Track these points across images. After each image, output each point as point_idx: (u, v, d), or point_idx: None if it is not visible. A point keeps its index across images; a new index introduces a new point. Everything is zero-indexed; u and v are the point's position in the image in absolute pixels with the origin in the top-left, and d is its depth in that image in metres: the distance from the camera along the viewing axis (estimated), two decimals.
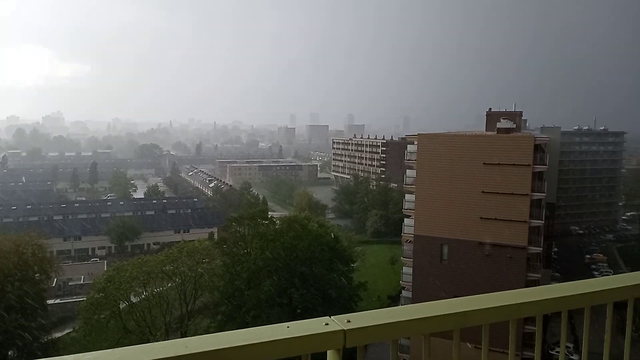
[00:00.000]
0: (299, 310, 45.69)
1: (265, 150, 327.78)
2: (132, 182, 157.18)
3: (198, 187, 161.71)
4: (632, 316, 2.26)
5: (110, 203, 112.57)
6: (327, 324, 1.73)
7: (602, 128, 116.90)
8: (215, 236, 76.79)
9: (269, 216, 59.02)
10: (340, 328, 1.71)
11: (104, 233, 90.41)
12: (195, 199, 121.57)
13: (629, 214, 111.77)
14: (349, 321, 1.74)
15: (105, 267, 66.06)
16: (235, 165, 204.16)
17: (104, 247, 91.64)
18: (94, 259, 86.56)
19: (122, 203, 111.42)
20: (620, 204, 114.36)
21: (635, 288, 2.23)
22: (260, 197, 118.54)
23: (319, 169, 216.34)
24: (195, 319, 47.59)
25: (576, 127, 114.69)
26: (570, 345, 46.05)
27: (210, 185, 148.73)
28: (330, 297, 46.08)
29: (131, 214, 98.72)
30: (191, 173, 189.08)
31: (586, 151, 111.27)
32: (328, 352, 1.73)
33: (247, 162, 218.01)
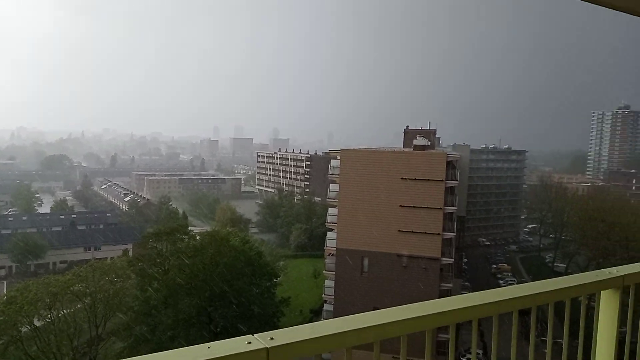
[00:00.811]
0: (219, 329, 44.40)
1: (186, 163, 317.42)
2: (38, 195, 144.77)
3: (112, 201, 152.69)
4: (535, 322, 2.46)
5: (11, 218, 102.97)
6: (249, 343, 1.70)
7: (506, 146, 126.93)
8: (130, 253, 72.71)
9: (189, 231, 57.08)
10: (263, 346, 1.69)
11: (4, 251, 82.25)
12: (108, 214, 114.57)
13: (530, 226, 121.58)
14: (272, 338, 1.73)
15: (5, 288, 60.04)
16: (153, 178, 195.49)
17: (3, 267, 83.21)
18: None
19: (25, 218, 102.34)
20: (522, 217, 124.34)
21: (538, 296, 2.43)
22: (180, 211, 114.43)
23: (242, 182, 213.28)
24: (107, 342, 44.51)
25: (483, 145, 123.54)
26: (480, 351, 48.90)
27: (126, 199, 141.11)
28: (253, 314, 45.25)
29: (35, 230, 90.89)
30: (105, 186, 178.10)
31: (492, 168, 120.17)
32: None
33: (166, 174, 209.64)
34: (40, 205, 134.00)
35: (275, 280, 54.68)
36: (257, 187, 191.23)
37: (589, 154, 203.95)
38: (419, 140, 54.46)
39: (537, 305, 2.43)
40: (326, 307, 53.60)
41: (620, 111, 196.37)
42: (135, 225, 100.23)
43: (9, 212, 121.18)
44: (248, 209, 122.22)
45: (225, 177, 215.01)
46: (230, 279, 44.96)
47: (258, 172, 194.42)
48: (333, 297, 50.84)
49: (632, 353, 2.95)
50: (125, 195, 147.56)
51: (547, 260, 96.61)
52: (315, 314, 61.74)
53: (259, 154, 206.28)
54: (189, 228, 63.24)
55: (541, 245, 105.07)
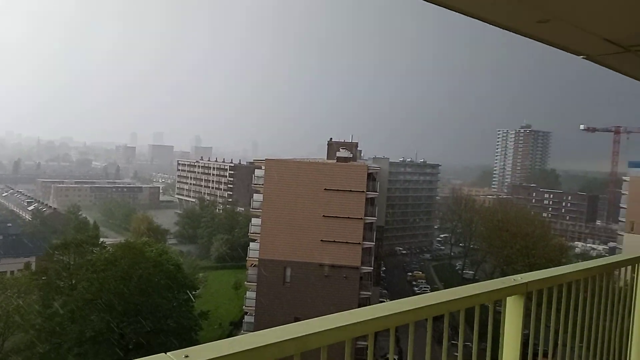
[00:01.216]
0: (131, 346, 42.07)
1: (99, 170, 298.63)
2: None
3: (14, 210, 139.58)
4: (448, 328, 2.59)
5: None
6: None
7: (422, 160, 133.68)
8: (33, 266, 66.79)
9: (101, 242, 53.77)
10: None
11: None
12: (9, 224, 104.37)
13: (442, 235, 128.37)
14: (186, 356, 1.63)
15: None
16: (61, 185, 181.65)
17: None
18: None
19: None
20: (436, 227, 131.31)
21: (450, 303, 2.56)
22: (92, 221, 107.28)
23: (161, 191, 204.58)
24: None
25: (401, 159, 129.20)
26: (396, 357, 50.61)
27: (30, 208, 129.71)
28: (169, 328, 43.35)
29: None
30: (5, 194, 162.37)
31: (409, 180, 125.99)
32: None
33: (77, 182, 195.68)
34: None
35: (193, 292, 52.89)
36: (176, 196, 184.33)
37: (495, 168, 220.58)
38: (342, 153, 55.74)
39: (450, 311, 2.57)
40: (247, 318, 52.70)
41: (522, 130, 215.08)
42: (39, 237, 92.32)
43: None
44: (166, 219, 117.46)
45: (143, 186, 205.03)
46: (146, 293, 42.86)
47: (178, 181, 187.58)
48: (254, 308, 50.12)
49: (535, 354, 3.21)
50: (29, 203, 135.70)
51: (457, 268, 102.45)
52: (236, 327, 60.44)
53: (179, 162, 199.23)
54: (101, 239, 59.67)
55: (452, 254, 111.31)
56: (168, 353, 1.62)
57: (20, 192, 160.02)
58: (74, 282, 44.45)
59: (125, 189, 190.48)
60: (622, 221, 75.16)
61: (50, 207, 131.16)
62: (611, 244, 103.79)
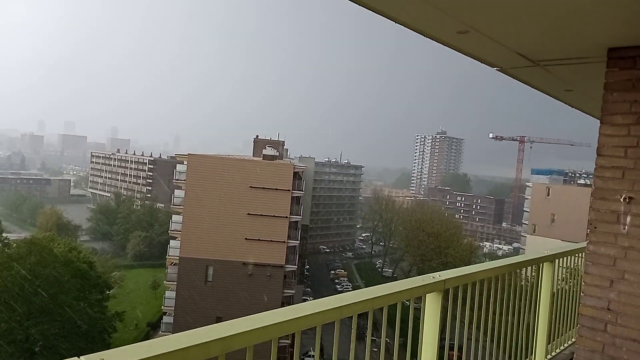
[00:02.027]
0: (37, 349, 39.10)
1: (1, 160, 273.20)
2: None
3: None
4: (371, 324, 2.68)
5: None
6: None
7: (346, 161, 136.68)
8: None
9: (3, 238, 49.35)
10: None
11: None
12: None
13: (364, 235, 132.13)
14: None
15: None
16: None
17: None
18: None
19: None
20: (358, 226, 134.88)
21: (374, 300, 2.65)
22: None
23: (72, 184, 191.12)
24: None
25: (326, 159, 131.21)
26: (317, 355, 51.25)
27: None
28: (80, 330, 40.76)
29: None
30: None
31: (333, 180, 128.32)
32: None
33: None
34: None
35: (107, 292, 50.09)
36: (89, 190, 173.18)
37: (413, 171, 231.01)
38: (268, 150, 55.45)
39: (374, 308, 2.65)
40: (165, 319, 50.83)
41: (438, 136, 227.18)
42: None
43: None
44: (78, 214, 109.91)
45: (51, 178, 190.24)
46: (53, 292, 40.03)
47: (92, 174, 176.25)
48: (174, 308, 48.47)
49: (451, 346, 3.40)
50: None
51: (377, 266, 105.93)
52: (153, 328, 58.05)
53: (93, 153, 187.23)
54: (3, 234, 54.78)
55: (373, 252, 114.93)
56: (82, 357, 1.53)
57: None
58: None
59: (31, 181, 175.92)
60: (525, 223, 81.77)
61: None
62: (515, 245, 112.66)
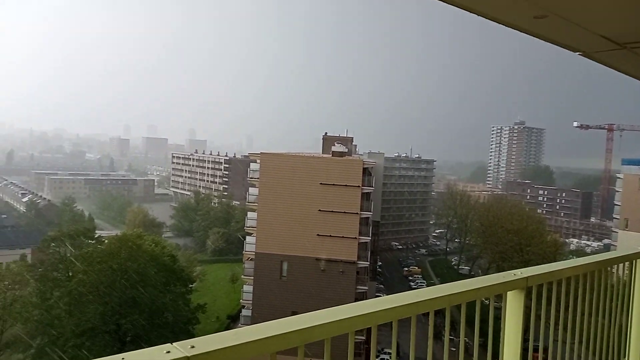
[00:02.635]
0: (128, 339, 42.15)
1: (93, 162, 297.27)
2: None
3: (8, 202, 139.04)
4: (449, 321, 2.63)
5: None
6: (168, 352, 1.60)
7: (417, 156, 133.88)
8: (30, 258, 66.65)
9: (96, 235, 53.70)
10: (183, 355, 1.60)
11: None
12: (3, 215, 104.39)
13: (437, 231, 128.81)
14: (192, 347, 1.65)
15: None
16: (55, 177, 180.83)
17: None
18: None
19: None
20: (431, 222, 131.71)
21: (452, 297, 2.60)
22: (86, 213, 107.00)
23: (156, 184, 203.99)
24: (3, 355, 40.50)
25: (396, 154, 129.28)
26: (390, 352, 50.87)
27: (24, 200, 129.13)
28: (166, 321, 43.47)
29: None
30: None
31: (404, 175, 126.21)
32: None
33: (70, 174, 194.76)
34: None
35: (190, 286, 52.98)
36: (172, 189, 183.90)
37: (489, 165, 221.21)
38: (337, 147, 55.69)
39: (452, 305, 2.61)
40: (244, 312, 52.84)
41: (516, 126, 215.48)
42: (34, 229, 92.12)
43: None
44: (162, 212, 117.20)
45: (137, 178, 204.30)
46: (142, 285, 42.90)
47: (173, 174, 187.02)
48: (251, 302, 50.24)
49: (535, 348, 3.24)
50: (23, 195, 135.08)
51: (453, 263, 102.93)
52: (233, 320, 60.59)
53: (174, 154, 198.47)
54: (96, 232, 59.57)
55: (447, 249, 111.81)
56: (174, 343, 1.65)
57: (14, 183, 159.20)
58: (70, 274, 44.38)
59: (119, 182, 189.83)
60: (616, 218, 75.63)
61: (45, 198, 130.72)
62: (605, 241, 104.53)
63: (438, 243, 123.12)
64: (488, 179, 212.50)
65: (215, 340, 1.73)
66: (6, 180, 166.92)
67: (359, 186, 49.21)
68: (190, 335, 43.34)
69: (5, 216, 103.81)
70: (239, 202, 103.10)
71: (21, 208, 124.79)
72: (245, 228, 54.30)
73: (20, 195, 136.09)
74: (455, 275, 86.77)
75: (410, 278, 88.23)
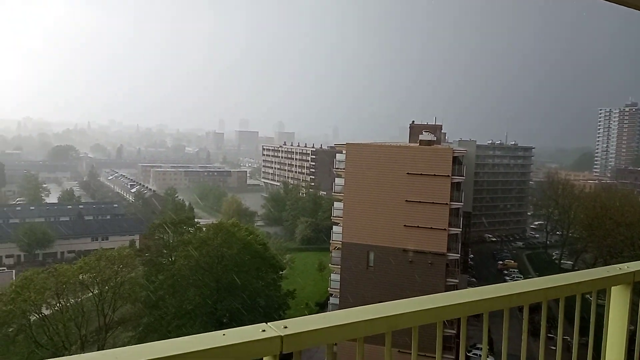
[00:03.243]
0: (225, 320, 44.79)
1: (192, 155, 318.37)
2: (45, 185, 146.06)
3: (119, 192, 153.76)
4: (545, 317, 2.46)
5: (19, 208, 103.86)
6: (264, 331, 1.74)
7: (513, 143, 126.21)
8: (137, 244, 73.36)
9: (195, 223, 57.46)
10: (277, 334, 1.72)
11: (12, 240, 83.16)
12: (115, 205, 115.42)
13: (536, 223, 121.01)
14: (285, 327, 1.77)
15: (14, 277, 60.76)
16: (159, 170, 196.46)
17: (12, 256, 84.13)
18: (1, 268, 79.15)
19: (32, 208, 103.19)
20: (529, 213, 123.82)
21: (549, 291, 2.44)
22: (186, 203, 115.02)
23: (248, 175, 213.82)
24: (114, 332, 45.02)
25: (490, 141, 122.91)
26: (480, 347, 48.89)
27: (132, 191, 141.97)
28: (259, 306, 45.59)
29: (43, 219, 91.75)
30: (111, 177, 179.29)
31: (498, 164, 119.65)
32: (265, 358, 1.74)
33: (172, 167, 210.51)
34: (47, 196, 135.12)
35: (280, 273, 54.96)
36: (262, 180, 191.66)
37: (596, 151, 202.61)
38: (425, 136, 54.28)
39: (548, 299, 2.45)
40: (332, 300, 53.79)
41: (627, 109, 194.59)
42: (141, 217, 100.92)
43: (17, 201, 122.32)
44: (254, 202, 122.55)
45: (231, 170, 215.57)
46: (236, 271, 45.28)
47: (263, 166, 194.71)
48: (339, 290, 50.98)
49: None
50: (132, 186, 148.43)
51: (553, 257, 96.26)
52: (321, 307, 62.00)
53: (264, 147, 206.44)
54: (195, 220, 63.62)
55: (548, 242, 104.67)
56: (269, 323, 1.75)
57: (124, 175, 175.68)
58: (173, 259, 48.07)
59: (215, 173, 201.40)
60: None
61: (150, 189, 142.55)
62: None
63: (537, 235, 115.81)
64: (595, 166, 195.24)
65: (306, 322, 1.84)
66: (117, 172, 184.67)
67: (448, 176, 47.63)
68: (281, 319, 45.09)
69: (116, 205, 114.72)
70: (325, 192, 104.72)
71: (130, 198, 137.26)
72: (332, 218, 55.07)
73: (129, 187, 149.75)
74: (557, 270, 79.90)
75: (506, 272, 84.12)
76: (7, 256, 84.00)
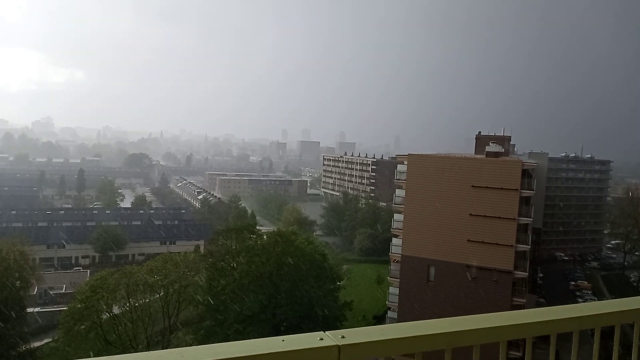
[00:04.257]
0: (282, 328, 45.20)
1: (255, 164, 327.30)
2: (120, 191, 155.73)
3: (186, 199, 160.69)
4: (618, 342, 2.29)
5: (96, 211, 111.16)
6: (321, 339, 1.74)
7: (589, 156, 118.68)
8: (202, 249, 76.13)
9: (257, 230, 58.69)
10: (334, 343, 1.72)
11: (89, 242, 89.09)
12: (183, 211, 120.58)
13: (613, 242, 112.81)
14: (343, 337, 1.76)
15: (88, 276, 64.98)
16: (224, 178, 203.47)
17: (87, 256, 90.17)
18: (77, 268, 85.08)
19: (108, 212, 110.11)
20: (606, 232, 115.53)
21: (623, 314, 2.27)
22: (249, 210, 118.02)
23: (308, 184, 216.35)
24: (178, 333, 46.78)
25: (563, 154, 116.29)
26: None
27: (199, 197, 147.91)
28: (316, 315, 45.64)
29: (117, 223, 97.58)
30: (180, 184, 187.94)
31: (572, 178, 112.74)
32: None
33: (236, 175, 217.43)
34: (122, 200, 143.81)
35: (338, 283, 54.79)
36: (322, 189, 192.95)
37: None
38: (492, 147, 52.34)
39: (622, 323, 2.27)
40: (390, 314, 52.94)
41: None
42: (207, 223, 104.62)
43: (94, 205, 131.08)
44: (313, 211, 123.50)
45: (292, 179, 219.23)
46: (295, 279, 45.66)
47: (324, 175, 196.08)
48: (397, 304, 50.06)
49: None
50: (199, 193, 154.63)
51: (631, 280, 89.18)
52: (379, 321, 61.09)
53: (325, 157, 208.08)
54: (257, 227, 64.98)
55: (626, 263, 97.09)
56: (327, 332, 1.76)
57: (192, 182, 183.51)
58: (235, 265, 49.33)
59: (277, 182, 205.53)
60: None
61: (215, 196, 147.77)
62: None
63: (613, 256, 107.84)
64: None
65: (364, 333, 1.82)
66: (186, 180, 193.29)
67: (516, 189, 45.57)
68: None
69: (184, 211, 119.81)
70: (385, 204, 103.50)
71: (197, 204, 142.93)
72: (391, 230, 54.31)
73: (196, 194, 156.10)
74: (634, 293, 74.64)
75: (578, 293, 78.95)
76: (84, 257, 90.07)
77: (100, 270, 55.62)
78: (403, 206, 50.59)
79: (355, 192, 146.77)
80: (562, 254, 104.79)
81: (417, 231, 48.61)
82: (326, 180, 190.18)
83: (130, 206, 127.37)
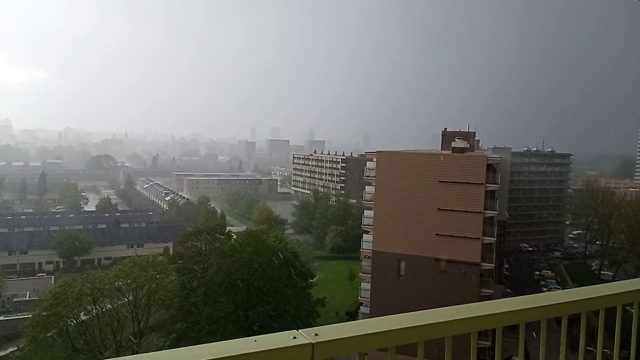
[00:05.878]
0: (255, 327, 44.98)
1: (224, 164, 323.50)
2: (84, 194, 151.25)
3: (154, 201, 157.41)
4: (585, 329, 2.37)
5: (59, 216, 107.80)
6: (295, 338, 1.74)
7: (550, 150, 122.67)
8: (171, 251, 74.80)
9: (227, 231, 58.14)
10: (308, 341, 1.72)
11: (52, 247, 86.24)
12: (150, 213, 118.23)
13: (575, 232, 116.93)
14: (316, 334, 1.77)
15: (53, 282, 62.93)
16: (193, 178, 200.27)
17: (51, 262, 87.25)
18: (41, 274, 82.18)
19: (72, 216, 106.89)
20: (567, 222, 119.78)
21: (588, 302, 2.35)
22: (219, 211, 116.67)
23: (279, 183, 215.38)
24: (148, 337, 45.81)
25: (525, 148, 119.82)
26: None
27: (167, 199, 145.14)
28: (288, 313, 45.59)
29: (82, 227, 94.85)
30: (147, 186, 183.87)
31: (535, 171, 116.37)
32: None
33: (205, 175, 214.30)
34: (86, 204, 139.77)
35: (310, 280, 54.85)
36: (292, 188, 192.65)
37: (638, 157, 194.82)
38: (458, 143, 53.46)
39: (588, 310, 2.35)
40: (362, 309, 53.38)
41: None
42: (175, 224, 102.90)
43: (57, 209, 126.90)
44: (284, 210, 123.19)
45: (262, 178, 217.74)
46: (267, 278, 45.47)
47: (294, 174, 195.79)
48: (369, 299, 50.52)
49: None
50: (166, 194, 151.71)
51: (593, 268, 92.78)
52: (352, 316, 61.50)
53: (295, 155, 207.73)
54: (227, 228, 64.39)
55: (587, 252, 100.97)
56: (300, 330, 1.75)
57: (159, 184, 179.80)
58: (205, 266, 48.68)
59: (247, 182, 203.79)
60: None
61: (184, 197, 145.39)
62: None
63: (575, 245, 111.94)
64: (637, 173, 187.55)
65: (338, 329, 1.83)
66: (152, 181, 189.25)
67: (482, 183, 46.69)
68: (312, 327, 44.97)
69: (151, 213, 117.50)
70: (355, 201, 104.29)
71: (164, 206, 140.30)
72: (362, 226, 54.74)
73: (163, 195, 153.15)
74: (596, 281, 77.90)
75: (543, 282, 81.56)
76: (47, 262, 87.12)
77: (64, 276, 53.90)
78: (373, 203, 51.05)
79: (325, 190, 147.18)
80: (526, 245, 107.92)
81: (387, 227, 49.16)
82: (296, 178, 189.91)
83: (94, 209, 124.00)
